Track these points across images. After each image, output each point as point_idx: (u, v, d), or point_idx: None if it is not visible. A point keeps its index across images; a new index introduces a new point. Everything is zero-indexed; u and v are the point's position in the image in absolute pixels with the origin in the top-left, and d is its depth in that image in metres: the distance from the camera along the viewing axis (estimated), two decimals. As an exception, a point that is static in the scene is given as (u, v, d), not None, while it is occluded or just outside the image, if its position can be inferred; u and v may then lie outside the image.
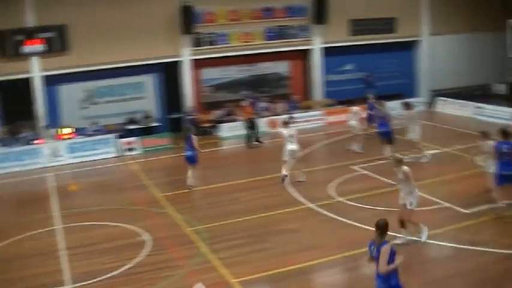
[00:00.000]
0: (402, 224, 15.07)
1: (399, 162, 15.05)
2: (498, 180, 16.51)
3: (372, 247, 10.17)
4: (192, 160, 21.56)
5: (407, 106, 23.86)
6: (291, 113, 30.43)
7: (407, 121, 23.58)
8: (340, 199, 19.05)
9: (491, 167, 17.05)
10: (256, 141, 28.95)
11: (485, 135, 17.80)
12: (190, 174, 21.56)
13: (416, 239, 15.01)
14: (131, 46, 29.65)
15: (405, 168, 14.91)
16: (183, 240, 16.30)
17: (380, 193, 19.42)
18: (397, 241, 14.76)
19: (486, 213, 16.79)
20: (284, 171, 21.21)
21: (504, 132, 16.77)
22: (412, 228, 15.18)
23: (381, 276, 10.03)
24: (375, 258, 10.09)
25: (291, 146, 21.20)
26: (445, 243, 15.06)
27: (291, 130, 21.58)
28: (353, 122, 25.77)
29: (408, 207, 14.84)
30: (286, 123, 21.93)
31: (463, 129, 29.12)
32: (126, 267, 14.61)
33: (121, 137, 28.71)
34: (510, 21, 27.23)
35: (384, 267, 9.88)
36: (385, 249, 9.86)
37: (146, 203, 20.10)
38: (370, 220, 16.70)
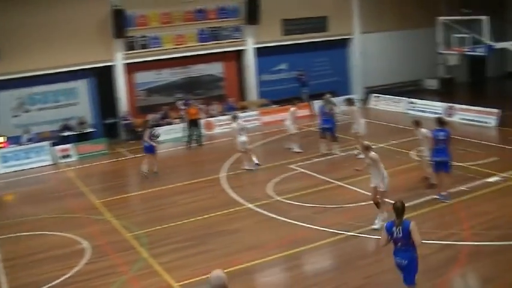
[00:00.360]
0: (377, 205, 15.91)
1: (367, 149, 16.08)
2: (434, 167, 17.56)
3: (393, 228, 10.80)
4: (148, 150, 23.47)
5: (350, 102, 24.39)
6: (228, 114, 30.55)
7: (351, 117, 24.09)
8: (279, 198, 19.22)
9: (428, 154, 18.17)
10: (197, 143, 28.88)
11: (417, 123, 18.96)
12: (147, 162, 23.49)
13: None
14: (63, 52, 29.22)
15: (372, 154, 15.87)
16: (123, 246, 16.18)
17: (318, 191, 19.71)
18: (375, 226, 15.21)
19: (422, 207, 17.25)
20: (255, 160, 23.21)
21: (440, 121, 17.77)
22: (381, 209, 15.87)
23: (410, 249, 10.83)
24: (401, 238, 10.78)
25: (242, 138, 23.04)
26: (384, 237, 15.34)
27: (241, 124, 23.69)
28: (288, 122, 25.95)
29: (380, 190, 15.81)
30: (234, 118, 23.91)
31: (396, 125, 29.76)
32: (66, 276, 14.41)
33: (56, 144, 28.22)
34: (439, 18, 27.83)
35: (420, 239, 10.69)
36: (414, 225, 10.72)
37: (84, 210, 19.84)
38: (309, 218, 17.03)
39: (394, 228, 10.81)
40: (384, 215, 15.70)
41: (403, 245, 10.81)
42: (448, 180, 17.82)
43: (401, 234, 10.75)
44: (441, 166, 17.55)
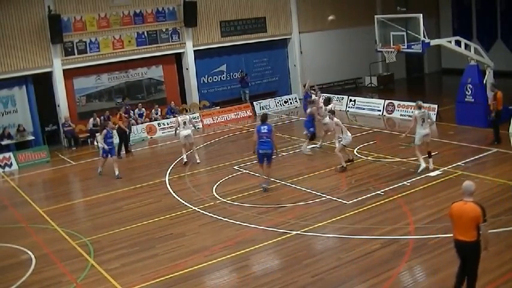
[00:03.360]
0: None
1: (333, 113, 21.88)
2: (259, 158, 19.99)
3: (261, 127, 19.01)
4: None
5: (328, 101, 24.60)
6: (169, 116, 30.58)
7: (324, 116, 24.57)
8: (224, 200, 19.26)
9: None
10: (126, 150, 28.40)
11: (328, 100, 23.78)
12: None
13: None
14: (-1, 59, 28.82)
15: (336, 119, 21.21)
16: (70, 255, 15.97)
17: (261, 191, 19.77)
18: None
19: (367, 203, 17.61)
20: (184, 156, 24.50)
21: (262, 117, 20.18)
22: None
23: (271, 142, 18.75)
24: (265, 133, 19.11)
25: (186, 131, 24.13)
26: (330, 235, 15.58)
27: (185, 117, 24.88)
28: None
29: (342, 143, 21.05)
30: (181, 111, 25.58)
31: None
32: None
33: (-6, 153, 27.70)
34: (377, 15, 28.27)
35: None
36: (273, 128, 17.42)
37: (27, 219, 19.50)
38: (254, 219, 17.15)
39: (261, 127, 18.64)
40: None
41: (267, 138, 18.87)
42: (269, 170, 19.88)
43: (266, 131, 18.75)
44: (264, 157, 19.54)
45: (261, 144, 19.43)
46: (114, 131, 25.71)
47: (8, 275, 14.94)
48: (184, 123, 24.24)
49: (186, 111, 32.71)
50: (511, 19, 39.13)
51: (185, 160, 24.39)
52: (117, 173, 23.51)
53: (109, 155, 23.71)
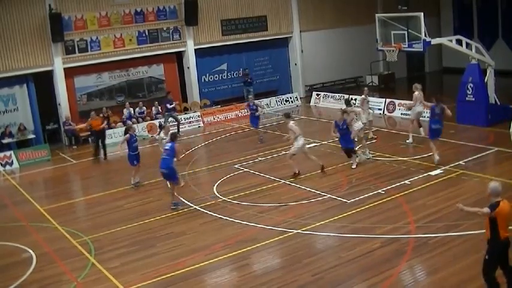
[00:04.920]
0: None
1: (287, 117, 21.36)
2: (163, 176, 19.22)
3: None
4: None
5: (288, 116, 23.73)
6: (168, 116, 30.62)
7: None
8: (225, 198, 19.28)
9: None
10: (104, 155, 27.58)
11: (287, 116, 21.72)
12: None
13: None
14: (0, 57, 28.79)
15: (290, 123, 20.67)
16: (70, 253, 15.99)
17: (263, 190, 19.84)
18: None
19: (367, 202, 17.61)
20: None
21: (171, 136, 19.28)
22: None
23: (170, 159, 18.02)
24: (166, 149, 18.45)
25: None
26: (330, 234, 15.59)
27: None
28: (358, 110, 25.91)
29: (291, 151, 20.78)
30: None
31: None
32: (12, 286, 14.16)
33: (-5, 151, 27.72)
34: (378, 14, 28.26)
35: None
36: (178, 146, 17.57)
37: (27, 218, 19.52)
38: (255, 217, 17.15)
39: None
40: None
41: (167, 155, 18.16)
42: (177, 189, 19.04)
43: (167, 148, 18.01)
44: (166, 177, 18.91)
45: (162, 160, 18.51)
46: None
47: (8, 274, 14.96)
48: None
49: (186, 110, 32.66)
50: (512, 18, 39.21)
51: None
52: (134, 181, 21.97)
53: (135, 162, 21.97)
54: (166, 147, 18.57)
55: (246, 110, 29.85)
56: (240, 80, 37.00)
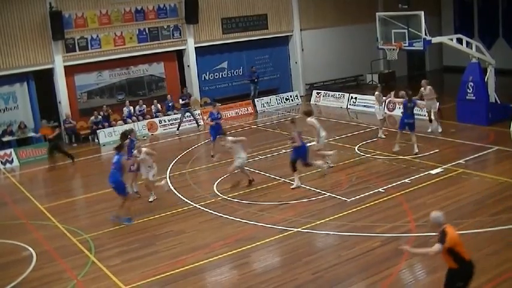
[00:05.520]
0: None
1: (228, 142, 19.94)
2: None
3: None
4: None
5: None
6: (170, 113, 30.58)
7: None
8: (224, 197, 19.28)
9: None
10: (70, 157, 26.71)
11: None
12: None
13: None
14: (0, 55, 28.82)
15: (230, 138, 19.90)
16: (70, 251, 16.01)
17: (263, 188, 19.83)
18: None
19: (367, 200, 17.62)
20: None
21: (116, 147, 18.15)
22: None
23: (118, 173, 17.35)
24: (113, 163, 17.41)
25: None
26: (330, 233, 15.61)
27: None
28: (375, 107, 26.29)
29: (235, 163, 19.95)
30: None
31: (339, 120, 30.16)
32: (13, 284, 14.18)
33: (-4, 149, 27.70)
34: (378, 13, 28.26)
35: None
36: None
37: (27, 216, 19.52)
38: (255, 216, 17.16)
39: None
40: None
41: (114, 168, 17.24)
42: (128, 203, 18.03)
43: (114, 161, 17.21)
44: (115, 190, 17.91)
45: (110, 174, 17.67)
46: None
47: (9, 272, 14.97)
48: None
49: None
50: (513, 17, 39.22)
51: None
52: (133, 189, 20.30)
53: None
54: (114, 161, 17.64)
55: (208, 119, 26.40)
56: (241, 78, 37.08)
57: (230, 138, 20.48)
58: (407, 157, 21.66)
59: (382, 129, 25.34)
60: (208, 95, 35.95)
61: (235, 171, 20.59)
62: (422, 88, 25.18)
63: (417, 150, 21.94)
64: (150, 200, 19.51)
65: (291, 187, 19.49)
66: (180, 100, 31.22)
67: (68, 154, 26.88)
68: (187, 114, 31.38)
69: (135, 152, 19.08)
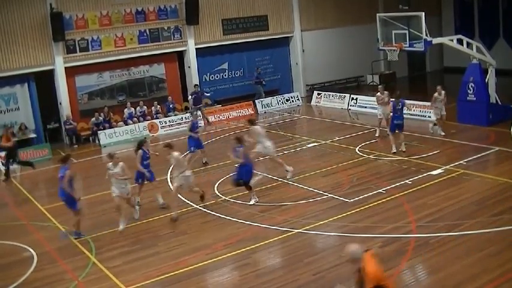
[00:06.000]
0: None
1: (170, 147, 18.43)
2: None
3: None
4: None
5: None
6: (171, 114, 30.60)
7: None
8: (226, 198, 19.29)
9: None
10: (29, 165, 26.33)
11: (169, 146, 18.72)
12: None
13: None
14: (1, 56, 28.85)
15: (175, 153, 18.01)
16: (71, 252, 16.01)
17: (263, 189, 19.80)
18: None
19: (368, 201, 17.62)
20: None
21: (62, 159, 17.26)
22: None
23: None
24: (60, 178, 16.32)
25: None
26: (331, 233, 15.61)
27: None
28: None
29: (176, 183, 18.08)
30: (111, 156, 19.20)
31: (339, 121, 30.16)
32: (14, 285, 14.18)
33: (-4, 150, 27.63)
34: (379, 14, 28.26)
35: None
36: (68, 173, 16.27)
37: (28, 217, 19.55)
38: (256, 217, 17.15)
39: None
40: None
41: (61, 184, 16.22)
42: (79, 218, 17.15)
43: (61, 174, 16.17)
44: (65, 204, 17.00)
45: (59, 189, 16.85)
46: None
47: (9, 273, 14.97)
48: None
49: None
50: (513, 18, 39.23)
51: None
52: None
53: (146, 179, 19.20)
54: (60, 175, 16.58)
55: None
56: (241, 79, 37.16)
57: (175, 154, 18.28)
58: (408, 158, 21.65)
59: (380, 128, 25.40)
60: (208, 96, 35.92)
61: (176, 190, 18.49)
62: (436, 93, 24.57)
63: (404, 149, 22.19)
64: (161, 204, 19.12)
65: (249, 203, 18.43)
66: (190, 97, 31.25)
67: (24, 163, 26.33)
68: (198, 113, 31.02)
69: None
